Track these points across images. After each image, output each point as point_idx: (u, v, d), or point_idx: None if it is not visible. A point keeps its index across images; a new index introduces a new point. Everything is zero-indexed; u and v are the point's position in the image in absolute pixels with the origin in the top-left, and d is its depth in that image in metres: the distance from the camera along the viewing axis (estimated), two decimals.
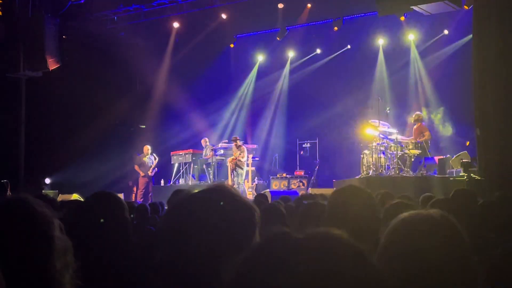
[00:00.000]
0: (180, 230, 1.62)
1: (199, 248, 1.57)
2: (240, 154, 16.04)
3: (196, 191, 1.78)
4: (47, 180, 16.98)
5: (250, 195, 15.25)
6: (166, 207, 7.16)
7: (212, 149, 17.20)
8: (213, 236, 1.58)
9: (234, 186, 15.90)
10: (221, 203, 1.63)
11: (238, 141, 16.37)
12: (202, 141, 17.92)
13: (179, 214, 1.66)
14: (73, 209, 2.86)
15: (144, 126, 19.10)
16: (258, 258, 1.08)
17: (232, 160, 16.09)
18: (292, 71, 19.35)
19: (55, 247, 1.48)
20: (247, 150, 16.65)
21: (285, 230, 1.13)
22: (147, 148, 17.37)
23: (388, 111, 14.87)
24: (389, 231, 1.68)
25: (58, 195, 14.88)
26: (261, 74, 19.85)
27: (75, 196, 13.65)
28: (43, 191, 16.05)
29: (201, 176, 18.00)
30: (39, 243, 1.46)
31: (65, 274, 1.49)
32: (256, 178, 16.98)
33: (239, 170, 16.02)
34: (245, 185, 15.95)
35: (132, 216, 6.21)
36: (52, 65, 15.89)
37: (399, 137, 14.02)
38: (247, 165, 16.29)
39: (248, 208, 1.67)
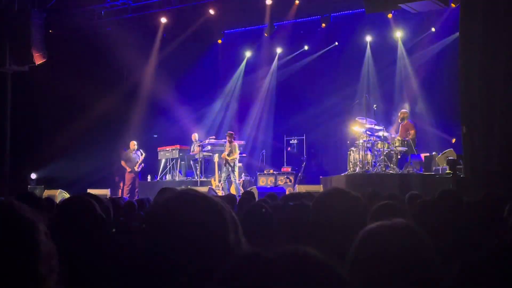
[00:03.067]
0: (152, 240, 1.63)
1: (170, 259, 1.57)
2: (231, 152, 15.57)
3: (180, 190, 1.79)
4: (33, 176, 16.88)
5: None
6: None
7: (199, 145, 17.14)
8: (182, 245, 1.57)
9: (221, 183, 15.81)
10: (187, 213, 1.63)
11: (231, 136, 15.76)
12: (192, 136, 17.84)
13: (151, 226, 1.67)
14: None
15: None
16: (229, 281, 1.08)
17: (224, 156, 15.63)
18: (279, 68, 19.35)
19: (41, 252, 1.48)
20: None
21: (256, 250, 1.12)
22: (133, 144, 17.29)
23: (375, 108, 14.92)
24: (357, 243, 1.72)
25: (44, 191, 14.80)
26: (249, 70, 19.81)
27: (59, 193, 13.59)
28: (28, 186, 15.96)
29: (188, 172, 17.96)
30: (24, 248, 1.46)
31: (50, 279, 1.49)
32: (243, 174, 16.93)
33: (230, 167, 15.60)
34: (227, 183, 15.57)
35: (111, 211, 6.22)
36: (38, 59, 15.78)
37: (386, 134, 14.09)
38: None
39: (215, 211, 1.65)
